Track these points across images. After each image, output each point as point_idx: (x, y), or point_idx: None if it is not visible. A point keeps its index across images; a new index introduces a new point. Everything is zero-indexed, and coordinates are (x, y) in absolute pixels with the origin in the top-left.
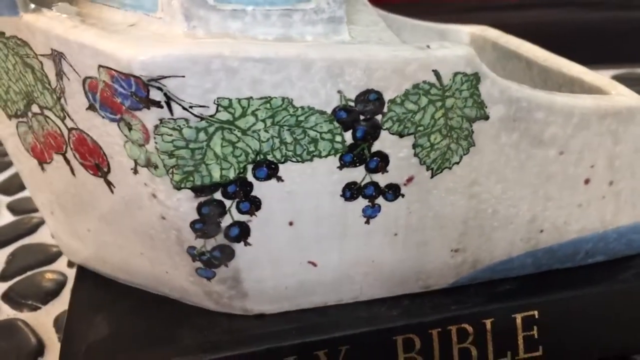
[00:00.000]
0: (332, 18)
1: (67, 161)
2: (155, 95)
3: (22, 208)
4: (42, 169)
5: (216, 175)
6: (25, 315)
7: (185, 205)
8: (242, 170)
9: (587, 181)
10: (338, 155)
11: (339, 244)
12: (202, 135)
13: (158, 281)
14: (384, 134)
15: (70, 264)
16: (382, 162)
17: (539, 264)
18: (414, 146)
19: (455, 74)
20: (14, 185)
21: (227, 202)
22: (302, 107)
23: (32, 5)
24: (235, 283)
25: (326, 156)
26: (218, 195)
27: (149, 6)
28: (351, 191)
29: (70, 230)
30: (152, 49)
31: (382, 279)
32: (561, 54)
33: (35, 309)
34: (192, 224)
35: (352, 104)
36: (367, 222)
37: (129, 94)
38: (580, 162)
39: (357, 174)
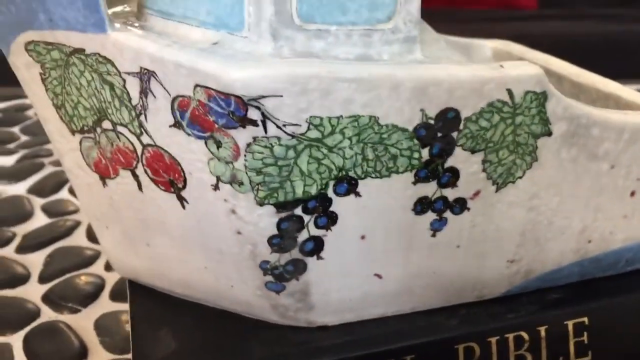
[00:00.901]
0: (408, 38)
1: (136, 177)
2: (253, 114)
3: (56, 210)
4: (104, 184)
5: (299, 191)
6: (66, 318)
7: (266, 220)
8: (324, 187)
9: (633, 193)
10: (414, 171)
11: (404, 257)
12: (291, 153)
13: (220, 295)
14: (457, 150)
15: (108, 268)
16: (453, 177)
17: (584, 272)
18: (483, 162)
19: (526, 93)
20: (48, 186)
21: (306, 218)
22: (387, 125)
23: (118, 24)
24: (303, 296)
25: (403, 172)
26: (298, 211)
27: (234, 25)
28: (422, 205)
29: (126, 245)
30: (254, 69)
31: (440, 290)
32: (581, 66)
33: (76, 311)
34: (270, 239)
35: (432, 121)
36: (434, 235)
37: (226, 112)
38: (629, 175)
39: (429, 188)
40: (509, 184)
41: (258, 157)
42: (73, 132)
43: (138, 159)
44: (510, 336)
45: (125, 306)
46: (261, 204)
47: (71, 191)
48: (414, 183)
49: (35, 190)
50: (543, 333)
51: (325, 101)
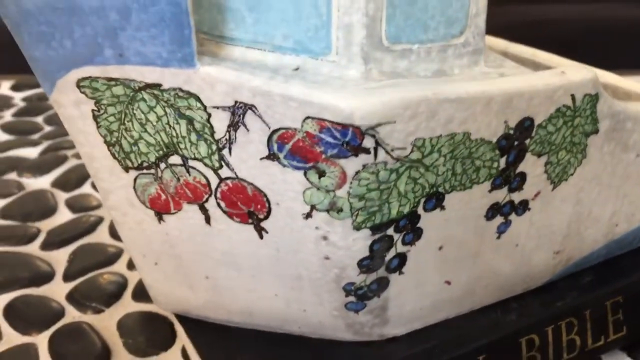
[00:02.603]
0: (476, 50)
1: (205, 210)
2: (368, 142)
3: (80, 205)
4: (160, 219)
5: (394, 211)
6: (90, 318)
7: (360, 244)
8: (416, 205)
9: None
10: (491, 180)
11: (472, 261)
12: (393, 176)
13: (287, 320)
14: (527, 155)
15: (130, 266)
16: (521, 181)
17: (609, 253)
18: (546, 164)
19: (585, 96)
20: (71, 180)
21: (396, 236)
22: (476, 140)
23: (208, 58)
24: (381, 312)
25: (483, 182)
26: (390, 231)
27: (319, 50)
28: (493, 211)
29: (178, 279)
30: (371, 98)
31: (497, 287)
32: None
33: (99, 311)
34: (360, 261)
35: (512, 131)
36: (499, 237)
37: (339, 143)
38: None
39: (501, 194)
40: (562, 181)
41: (364, 183)
42: (127, 169)
43: (211, 192)
44: (563, 323)
45: (146, 306)
46: (358, 229)
47: (94, 186)
48: (490, 191)
49: (59, 184)
50: (588, 316)
51: (430, 122)
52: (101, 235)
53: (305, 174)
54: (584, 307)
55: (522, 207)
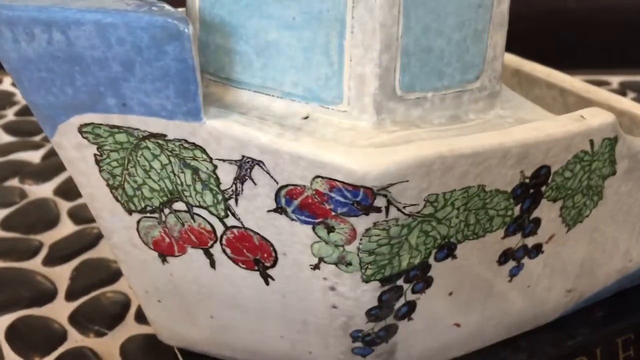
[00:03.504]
0: (491, 93)
1: (209, 255)
2: (379, 202)
3: (82, 217)
4: (164, 261)
5: (404, 264)
6: (92, 342)
7: (369, 295)
8: (427, 256)
9: None
10: (504, 227)
11: (482, 304)
12: (404, 231)
13: (293, 359)
14: (543, 201)
15: None
16: (535, 226)
17: (620, 287)
18: (561, 208)
19: (603, 140)
20: (73, 188)
21: (406, 286)
22: (491, 191)
23: (214, 109)
24: (389, 356)
25: (496, 230)
26: (400, 281)
27: (329, 99)
28: (506, 256)
29: (182, 317)
30: (384, 158)
31: (507, 326)
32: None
33: (102, 334)
34: (369, 311)
35: (527, 180)
36: (510, 280)
37: (350, 202)
38: None
39: (514, 240)
40: (577, 223)
41: (374, 239)
42: (130, 212)
43: (216, 239)
44: None
45: (149, 329)
46: (367, 281)
47: None
48: (503, 238)
49: (61, 192)
50: (598, 354)
51: (444, 178)
52: (103, 250)
53: (313, 228)
54: (595, 345)
55: (536, 250)
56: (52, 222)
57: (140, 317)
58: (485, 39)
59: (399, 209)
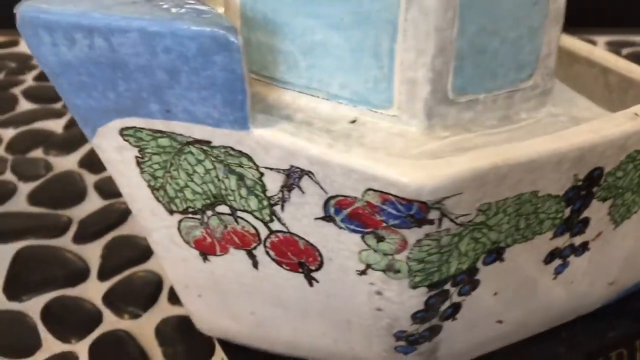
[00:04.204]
0: (544, 91)
1: (252, 256)
2: (433, 215)
3: (109, 191)
4: (205, 259)
5: (453, 269)
6: (127, 324)
7: (415, 300)
8: (475, 260)
9: None
10: (554, 229)
11: (526, 302)
12: (455, 239)
13: (334, 354)
14: (593, 202)
15: None
16: (584, 225)
17: None
18: (610, 206)
19: None
20: (99, 160)
21: (452, 289)
22: (543, 196)
23: (261, 117)
24: (431, 353)
25: (545, 232)
26: (447, 286)
27: (378, 103)
28: (552, 256)
29: (222, 311)
30: (439, 171)
31: (548, 319)
32: None
33: (136, 316)
34: (414, 314)
35: (580, 183)
36: (555, 278)
37: (403, 215)
38: None
39: (562, 240)
40: (625, 220)
41: (424, 249)
42: (171, 212)
43: (260, 241)
44: (614, 354)
45: (183, 310)
46: (415, 287)
47: None
48: (551, 239)
49: (87, 163)
50: (638, 346)
51: (498, 188)
52: (133, 226)
53: (362, 237)
54: (635, 337)
55: (582, 248)
56: (79, 196)
57: (173, 298)
58: (540, 36)
59: (451, 220)
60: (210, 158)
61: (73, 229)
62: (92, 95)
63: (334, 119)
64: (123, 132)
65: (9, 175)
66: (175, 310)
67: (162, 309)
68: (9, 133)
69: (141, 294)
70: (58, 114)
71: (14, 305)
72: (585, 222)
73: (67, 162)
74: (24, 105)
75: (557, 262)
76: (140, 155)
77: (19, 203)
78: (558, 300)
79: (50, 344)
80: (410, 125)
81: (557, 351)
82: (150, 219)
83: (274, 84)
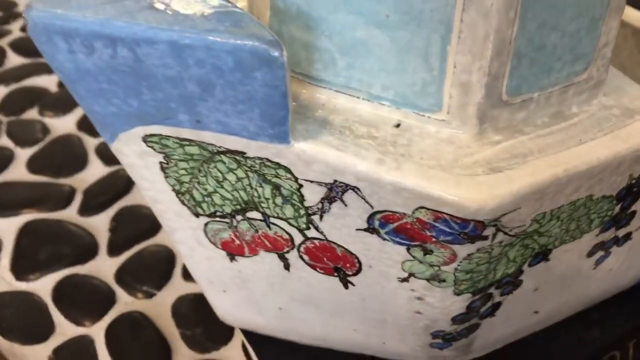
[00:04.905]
0: (598, 83)
1: (284, 259)
2: (488, 231)
3: (111, 156)
4: (232, 259)
5: (499, 275)
6: (142, 304)
7: (458, 305)
8: (522, 264)
9: None
10: (601, 226)
11: (564, 292)
12: (505, 249)
13: (364, 348)
14: None
15: None
16: (630, 218)
17: None
18: None
19: None
20: None
21: (496, 292)
22: (597, 198)
23: (301, 127)
24: (466, 347)
25: (593, 230)
26: (491, 289)
27: (426, 106)
28: (596, 249)
29: (249, 307)
30: (498, 190)
31: (582, 304)
32: None
33: (151, 295)
34: (454, 317)
35: (634, 181)
36: (595, 268)
37: (456, 232)
38: None
39: (608, 234)
40: None
41: (474, 261)
42: (197, 215)
43: (293, 246)
44: None
45: (197, 287)
46: (459, 294)
47: None
48: (598, 235)
49: (86, 125)
50: None
51: (556, 197)
52: (140, 196)
53: (408, 249)
54: None
55: (625, 238)
56: (80, 162)
57: (187, 275)
58: (600, 27)
59: (505, 233)
60: (243, 167)
61: (78, 199)
62: (113, 102)
63: (376, 122)
64: (147, 138)
65: (5, 140)
66: (191, 288)
67: (177, 287)
68: (0, 91)
69: (154, 270)
70: (48, 69)
71: (23, 286)
72: (632, 215)
73: (64, 124)
74: (13, 59)
75: (599, 253)
76: (165, 161)
77: (19, 171)
78: (595, 287)
79: (64, 327)
80: (460, 130)
81: (590, 336)
82: (175, 220)
83: (308, 81)
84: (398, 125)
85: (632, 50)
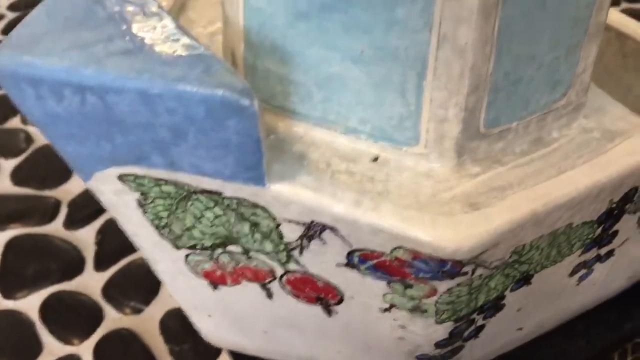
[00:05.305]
0: (577, 106)
1: (266, 289)
2: (467, 268)
3: None
4: (215, 288)
5: (480, 302)
6: (130, 321)
7: (440, 332)
8: (503, 290)
9: None
10: (583, 248)
11: (547, 309)
12: (486, 280)
13: None
14: (624, 216)
15: None
16: (612, 237)
17: None
18: None
19: None
20: None
21: (478, 317)
22: (577, 225)
23: (277, 167)
24: None
25: (574, 252)
26: (473, 315)
27: (402, 140)
28: (578, 267)
29: (233, 330)
30: (476, 229)
31: (566, 317)
32: None
33: (138, 311)
34: (438, 342)
35: (614, 205)
36: (578, 284)
37: (435, 271)
38: None
39: (590, 254)
40: None
41: (454, 294)
42: (178, 247)
43: (275, 278)
44: (629, 346)
45: None
46: (441, 322)
47: None
48: (579, 255)
49: None
50: None
51: (535, 229)
52: None
53: (388, 283)
54: None
55: (607, 255)
56: (65, 172)
57: None
58: (578, 54)
59: (485, 267)
60: (220, 206)
61: (63, 212)
62: (85, 144)
63: (353, 156)
64: (122, 177)
65: None
66: (178, 303)
67: (165, 301)
68: None
69: (141, 285)
70: None
71: (10, 304)
72: (614, 234)
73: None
74: None
75: (582, 271)
76: (142, 199)
77: (3, 183)
78: (579, 300)
79: (52, 346)
80: (438, 163)
81: (574, 347)
82: (155, 252)
83: (285, 114)
84: (376, 159)
85: (616, 53)
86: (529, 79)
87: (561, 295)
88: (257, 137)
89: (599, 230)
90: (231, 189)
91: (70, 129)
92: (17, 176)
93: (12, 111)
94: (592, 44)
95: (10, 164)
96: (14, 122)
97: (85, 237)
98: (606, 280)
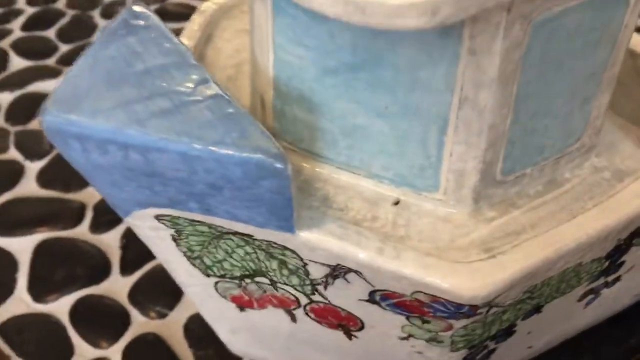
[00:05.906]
0: (590, 148)
1: (291, 314)
2: (482, 310)
3: None
4: (242, 310)
5: (493, 332)
6: (156, 325)
7: (455, 357)
8: (515, 320)
9: None
10: (590, 279)
11: (555, 329)
12: (499, 315)
13: None
14: (632, 249)
15: None
16: (619, 267)
17: None
18: None
19: None
20: None
21: (490, 343)
22: (587, 263)
23: (306, 216)
24: None
25: (583, 284)
26: (486, 342)
27: (423, 186)
28: (586, 294)
29: (257, 345)
30: (492, 277)
31: (573, 334)
32: None
33: (163, 315)
34: None
35: (622, 241)
36: (585, 307)
37: (453, 312)
38: None
39: (598, 283)
40: None
41: (469, 328)
42: (208, 275)
43: (300, 305)
44: None
45: None
46: (456, 351)
47: None
48: (587, 284)
49: None
50: None
51: (547, 272)
52: None
53: (407, 318)
54: None
55: (614, 281)
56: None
57: None
58: (591, 104)
59: (498, 306)
60: (251, 245)
61: (89, 216)
62: (125, 190)
63: (376, 199)
64: (159, 217)
65: (13, 153)
66: None
67: (188, 306)
68: (6, 98)
69: (165, 289)
70: (52, 73)
71: (42, 307)
72: (621, 264)
73: None
74: (16, 62)
75: (590, 297)
76: (176, 234)
77: (30, 185)
78: (586, 319)
79: (83, 349)
80: (456, 209)
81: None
82: (186, 278)
83: (311, 157)
84: (397, 203)
85: (630, 71)
86: (544, 130)
87: (569, 317)
88: (289, 196)
89: (606, 264)
90: (262, 234)
91: (112, 176)
92: (43, 179)
93: (34, 111)
94: (606, 94)
95: (36, 166)
96: (36, 123)
97: (111, 241)
98: (613, 300)
